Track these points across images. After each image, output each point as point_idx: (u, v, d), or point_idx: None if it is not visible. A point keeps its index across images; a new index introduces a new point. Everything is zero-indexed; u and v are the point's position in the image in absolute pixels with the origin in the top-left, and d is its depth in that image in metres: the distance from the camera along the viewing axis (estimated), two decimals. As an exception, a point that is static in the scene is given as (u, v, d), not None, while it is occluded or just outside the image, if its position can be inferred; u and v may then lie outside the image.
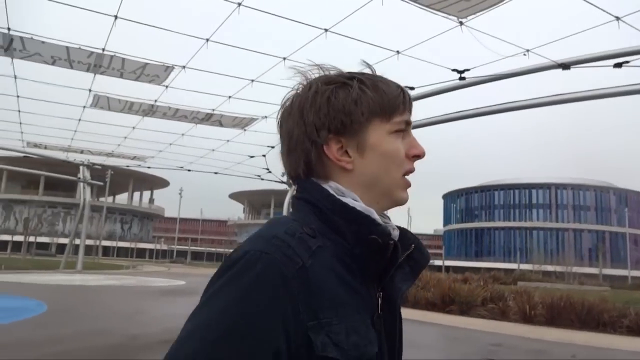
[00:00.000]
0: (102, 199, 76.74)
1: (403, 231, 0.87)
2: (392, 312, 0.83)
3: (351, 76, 0.84)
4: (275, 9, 10.27)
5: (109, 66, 12.61)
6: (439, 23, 9.81)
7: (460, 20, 9.50)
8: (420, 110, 14.46)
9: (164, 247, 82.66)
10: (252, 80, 13.66)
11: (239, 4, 9.45)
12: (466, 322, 13.65)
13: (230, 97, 15.16)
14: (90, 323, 10.66)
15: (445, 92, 13.22)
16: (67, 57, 12.07)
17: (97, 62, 12.38)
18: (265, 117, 17.63)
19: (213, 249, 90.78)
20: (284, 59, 11.98)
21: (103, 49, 11.74)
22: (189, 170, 28.66)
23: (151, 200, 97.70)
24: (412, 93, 10.25)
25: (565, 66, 10.26)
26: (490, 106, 13.57)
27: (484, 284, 18.57)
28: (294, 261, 0.71)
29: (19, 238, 61.07)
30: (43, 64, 12.61)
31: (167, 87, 14.19)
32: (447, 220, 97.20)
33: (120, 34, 11.10)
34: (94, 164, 30.81)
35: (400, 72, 12.55)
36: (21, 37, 11.17)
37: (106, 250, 73.44)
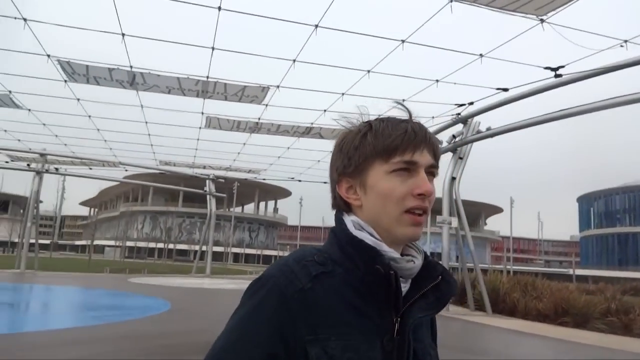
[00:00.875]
0: (232, 209, 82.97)
1: (432, 263, 0.94)
2: (405, 337, 0.87)
3: (368, 123, 0.93)
4: (353, 26, 10.73)
5: (214, 91, 14.08)
6: (519, 24, 9.48)
7: (540, 17, 9.10)
8: (514, 112, 13.88)
9: (286, 254, 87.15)
10: (343, 94, 14.23)
11: (316, 26, 10.09)
12: (577, 335, 12.64)
13: (325, 110, 15.88)
14: (202, 321, 11.94)
15: (541, 92, 12.56)
16: (179, 86, 13.76)
17: (204, 88, 13.91)
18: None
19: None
20: (368, 71, 12.38)
21: (207, 77, 13.19)
22: (299, 181, 30.19)
23: (275, 210, 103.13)
24: (505, 95, 9.96)
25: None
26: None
27: (611, 296, 16.90)
28: (294, 284, 0.83)
29: (163, 245, 68.77)
30: (161, 93, 14.50)
31: (266, 105, 15.37)
32: (584, 225, 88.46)
33: (220, 62, 12.40)
34: (217, 177, 33.93)
35: (486, 74, 12.25)
36: (141, 73, 13.03)
37: (236, 257, 79.36)
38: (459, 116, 16.82)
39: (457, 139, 17.44)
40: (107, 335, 9.06)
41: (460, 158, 18.01)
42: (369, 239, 0.88)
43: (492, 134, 16.41)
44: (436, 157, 0.92)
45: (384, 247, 0.88)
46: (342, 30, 10.64)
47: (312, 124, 17.47)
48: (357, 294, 0.86)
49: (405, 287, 0.89)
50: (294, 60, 11.87)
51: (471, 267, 18.37)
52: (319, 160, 23.92)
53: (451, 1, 8.74)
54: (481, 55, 11.06)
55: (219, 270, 40.57)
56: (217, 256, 75.30)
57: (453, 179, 17.78)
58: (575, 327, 14.10)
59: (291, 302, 0.82)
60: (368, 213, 0.91)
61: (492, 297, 17.21)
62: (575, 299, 15.38)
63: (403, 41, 10.59)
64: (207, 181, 33.80)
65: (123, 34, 10.87)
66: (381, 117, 0.94)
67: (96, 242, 79.17)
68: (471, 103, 15.33)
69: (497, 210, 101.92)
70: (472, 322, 14.41)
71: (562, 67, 11.08)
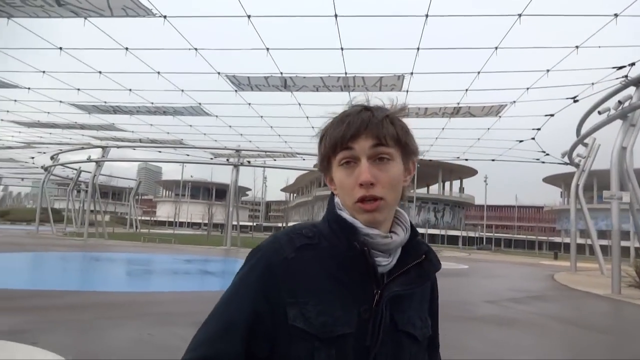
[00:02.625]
0: (413, 190, 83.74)
1: (417, 242, 1.01)
2: (381, 308, 0.92)
3: (328, 123, 0.99)
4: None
5: (355, 84, 15.43)
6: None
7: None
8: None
9: (472, 234, 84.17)
10: (478, 72, 14.22)
11: (520, 15, 10.61)
12: None
13: (467, 90, 15.95)
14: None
15: None
16: (323, 84, 15.47)
17: (345, 83, 15.36)
18: (514, 101, 17.53)
19: (522, 236, 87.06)
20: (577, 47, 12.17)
21: (345, 73, 14.59)
22: (465, 160, 29.78)
23: (461, 189, 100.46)
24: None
25: None
26: None
27: None
28: (279, 254, 0.94)
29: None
30: (310, 92, 16.43)
31: (407, 91, 16.13)
32: None
33: (352, 59, 13.65)
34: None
35: None
36: (291, 77, 15.08)
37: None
38: (628, 79, 15.08)
39: (624, 105, 15.62)
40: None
41: (633, 125, 16.06)
42: (348, 218, 0.96)
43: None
44: (379, 138, 0.92)
45: (359, 225, 0.94)
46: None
47: (458, 103, 17.59)
48: (339, 266, 0.93)
49: (389, 261, 0.95)
50: (418, 49, 12.48)
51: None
52: (478, 139, 23.53)
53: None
54: None
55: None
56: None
57: (623, 148, 15.99)
58: None
59: (276, 269, 0.92)
60: (342, 201, 0.99)
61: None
62: None
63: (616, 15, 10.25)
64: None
65: (267, 49, 12.94)
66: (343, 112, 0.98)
67: (292, 223, 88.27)
68: (632, 64, 13.71)
69: None
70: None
71: None
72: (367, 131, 0.92)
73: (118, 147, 31.92)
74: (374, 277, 0.93)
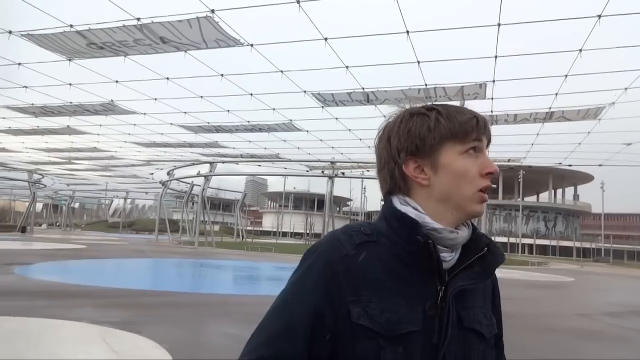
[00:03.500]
0: (519, 198, 79.26)
1: (478, 235, 0.99)
2: (447, 304, 0.91)
3: (431, 107, 0.98)
4: None
5: (436, 95, 15.59)
6: None
7: None
8: None
9: (589, 245, 77.25)
10: (565, 76, 13.70)
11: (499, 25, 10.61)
12: None
13: (556, 93, 15.36)
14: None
15: None
16: (405, 96, 15.80)
17: (427, 94, 15.58)
18: (613, 103, 16.50)
19: (648, 248, 78.07)
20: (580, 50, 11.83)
21: (425, 84, 14.85)
22: (569, 166, 28.01)
23: (575, 197, 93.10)
24: None
25: None
26: None
27: None
28: (339, 251, 0.92)
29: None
30: (396, 104, 16.80)
31: (492, 99, 15.91)
32: None
33: (430, 71, 13.88)
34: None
35: None
36: (372, 92, 15.66)
37: (530, 248, 75.50)
38: None
39: None
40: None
41: None
42: (411, 212, 0.94)
43: None
44: (490, 140, 0.99)
45: (426, 220, 0.93)
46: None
47: (550, 108, 16.89)
48: (400, 262, 0.92)
49: (452, 256, 0.95)
50: (509, 56, 12.41)
51: None
52: (579, 143, 22.20)
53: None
54: None
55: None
56: (510, 247, 73.41)
57: None
58: None
59: (336, 267, 0.90)
60: (438, 191, 0.95)
61: None
62: None
63: None
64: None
65: (347, 67, 13.66)
66: (437, 103, 0.99)
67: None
68: None
69: None
70: None
71: None
72: (488, 132, 0.98)
73: (223, 162, 34.59)
74: (437, 273, 0.91)
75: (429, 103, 1.00)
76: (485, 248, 0.97)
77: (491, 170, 0.94)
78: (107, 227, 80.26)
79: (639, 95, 15.49)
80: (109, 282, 12.56)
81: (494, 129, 20.20)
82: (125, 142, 27.36)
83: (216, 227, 71.33)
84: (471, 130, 0.94)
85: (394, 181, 0.99)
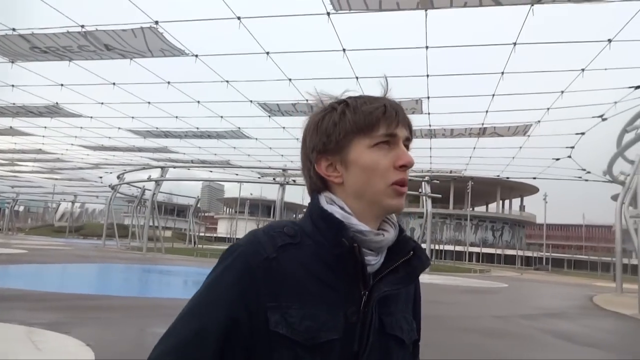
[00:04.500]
0: (467, 208, 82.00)
1: (405, 238, 0.95)
2: (369, 310, 0.87)
3: (341, 102, 0.95)
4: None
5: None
6: None
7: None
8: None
9: (530, 253, 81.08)
10: (493, 95, 14.79)
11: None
12: None
13: (486, 111, 16.47)
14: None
15: None
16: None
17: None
18: (538, 121, 17.81)
19: (584, 257, 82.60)
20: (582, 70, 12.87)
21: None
22: (507, 178, 29.63)
23: (521, 208, 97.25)
24: None
25: None
26: None
27: None
28: (260, 253, 0.85)
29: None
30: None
31: (428, 114, 16.89)
32: None
33: (368, 86, 14.65)
34: (432, 179, 35.72)
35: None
36: (316, 104, 16.30)
37: (478, 256, 78.30)
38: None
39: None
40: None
41: (661, 143, 15.89)
42: (337, 212, 0.90)
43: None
44: (411, 132, 0.95)
45: (353, 221, 0.89)
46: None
47: (482, 124, 18.06)
48: (325, 266, 0.87)
49: (377, 260, 0.91)
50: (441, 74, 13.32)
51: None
52: (514, 157, 23.64)
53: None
54: None
55: (444, 267, 41.92)
56: (457, 255, 75.87)
57: (652, 167, 15.84)
58: None
59: (255, 270, 0.84)
60: (351, 188, 0.92)
61: None
62: None
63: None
64: (422, 183, 35.82)
65: (290, 79, 14.25)
66: (353, 96, 0.95)
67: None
68: (650, 83, 13.77)
69: None
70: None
71: None
72: (405, 120, 0.94)
73: (174, 167, 34.48)
74: (361, 277, 0.88)
75: (345, 97, 0.97)
76: (411, 252, 0.93)
77: (404, 163, 0.89)
78: (53, 232, 77.30)
79: (560, 115, 16.87)
80: (45, 287, 12.54)
81: (434, 143, 21.41)
82: (72, 144, 26.94)
83: (168, 233, 70.22)
84: (377, 121, 0.90)
85: (312, 180, 0.97)
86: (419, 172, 31.86)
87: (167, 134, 22.45)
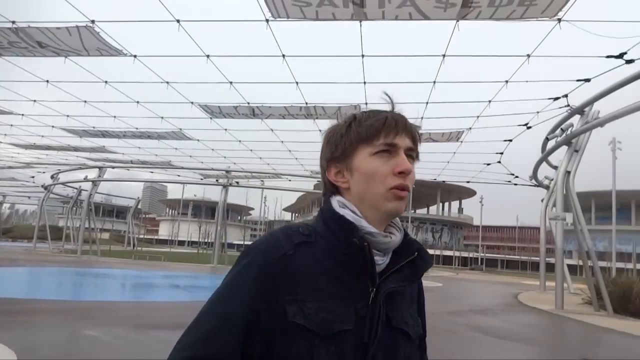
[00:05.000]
0: (419, 210, 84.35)
1: (410, 240, 1.04)
2: (377, 305, 0.94)
3: (353, 115, 1.04)
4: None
5: (316, 113, 16.80)
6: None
7: (556, 18, 9.49)
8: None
9: (466, 254, 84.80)
10: (426, 103, 15.55)
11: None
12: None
13: (422, 117, 17.24)
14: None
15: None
16: (288, 113, 16.86)
17: (307, 112, 16.74)
18: (470, 128, 18.82)
19: (516, 257, 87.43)
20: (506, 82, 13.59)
21: (306, 103, 15.97)
22: (443, 182, 30.91)
23: (460, 210, 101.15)
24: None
25: None
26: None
27: None
28: (278, 250, 0.94)
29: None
30: (280, 119, 17.83)
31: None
32: None
33: (310, 91, 15.04)
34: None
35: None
36: (257, 106, 16.50)
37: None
38: (571, 108, 16.31)
39: (567, 132, 16.84)
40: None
41: (576, 151, 17.27)
42: (349, 215, 0.98)
43: (602, 121, 15.46)
44: (414, 141, 1.02)
45: (363, 223, 0.98)
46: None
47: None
48: (336, 263, 0.95)
49: (384, 260, 0.99)
50: (365, 82, 13.86)
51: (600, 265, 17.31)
52: (448, 162, 24.76)
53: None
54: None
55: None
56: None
57: (567, 172, 17.17)
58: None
59: (274, 266, 0.92)
60: (355, 193, 1.00)
61: (623, 298, 16.20)
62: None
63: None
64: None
65: (231, 82, 14.38)
66: (363, 111, 1.04)
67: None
68: (565, 95, 15.00)
69: None
70: (577, 320, 14.19)
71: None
72: (408, 131, 1.01)
73: (113, 167, 33.48)
74: (370, 275, 0.95)
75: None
76: (416, 252, 1.02)
77: (401, 169, 0.96)
78: (-22, 234, 72.67)
79: (490, 123, 17.95)
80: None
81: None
82: (1, 142, 25.63)
83: (106, 235, 67.75)
84: (377, 132, 0.98)
85: (325, 185, 1.06)
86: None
87: (104, 134, 21.87)
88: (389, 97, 1.07)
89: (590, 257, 16.44)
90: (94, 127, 20.81)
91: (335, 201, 1.02)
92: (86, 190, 37.71)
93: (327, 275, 0.94)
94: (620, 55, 11.21)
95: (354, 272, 0.95)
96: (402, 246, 1.02)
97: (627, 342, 10.68)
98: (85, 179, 35.84)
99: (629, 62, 11.46)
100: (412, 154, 1.01)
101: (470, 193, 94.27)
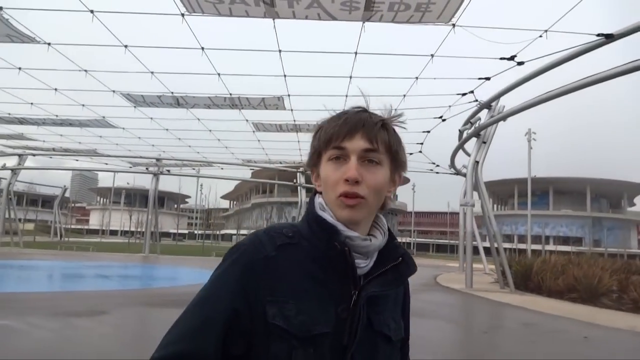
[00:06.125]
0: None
1: (394, 245, 1.03)
2: (358, 308, 0.94)
3: (323, 121, 1.05)
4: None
5: (241, 104, 17.15)
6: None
7: (450, 23, 10.42)
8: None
9: (401, 239, 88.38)
10: (346, 96, 16.29)
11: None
12: (557, 307, 13.23)
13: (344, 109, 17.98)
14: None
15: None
16: (212, 103, 17.09)
17: (232, 103, 17.05)
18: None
19: (445, 241, 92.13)
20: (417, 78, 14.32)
21: (230, 94, 16.28)
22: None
23: (395, 197, 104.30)
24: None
25: None
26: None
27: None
28: (260, 252, 0.94)
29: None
30: (206, 109, 18.01)
31: (292, 110, 18.02)
32: None
33: (234, 83, 15.37)
34: (306, 170, 37.35)
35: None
36: (181, 96, 16.61)
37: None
38: (479, 103, 17.62)
39: (475, 125, 18.23)
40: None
41: (484, 142, 18.73)
42: (329, 219, 0.98)
43: (504, 115, 16.85)
44: (374, 141, 0.96)
45: (340, 227, 0.96)
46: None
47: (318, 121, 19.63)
48: (319, 266, 0.95)
49: (367, 263, 0.98)
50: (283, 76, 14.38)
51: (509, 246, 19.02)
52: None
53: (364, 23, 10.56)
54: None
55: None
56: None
57: (476, 162, 18.60)
58: (582, 303, 14.45)
59: (256, 267, 0.93)
60: (324, 197, 1.01)
61: (524, 276, 17.90)
62: (587, 277, 15.39)
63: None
64: (298, 174, 37.33)
65: (152, 72, 14.43)
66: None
67: (230, 231, 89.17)
68: (472, 91, 16.26)
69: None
70: (481, 297, 15.54)
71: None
72: (362, 132, 0.96)
73: (34, 154, 32.07)
74: (352, 278, 0.95)
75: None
76: (400, 258, 1.01)
77: (346, 177, 0.94)
78: None
79: (407, 115, 18.94)
80: None
81: (301, 137, 22.73)
82: None
83: (30, 226, 64.48)
84: (329, 137, 0.97)
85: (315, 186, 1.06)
86: (291, 163, 33.36)
87: (22, 121, 21.06)
88: (361, 91, 1.08)
89: (496, 240, 18.01)
90: (9, 114, 20.01)
91: (317, 202, 1.02)
92: (5, 179, 35.84)
93: (309, 277, 0.94)
94: (512, 58, 12.40)
95: (336, 274, 0.95)
96: (387, 250, 1.02)
97: (519, 314, 12.01)
98: (4, 167, 34.06)
99: (519, 63, 12.69)
100: (373, 157, 0.97)
101: (404, 180, 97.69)
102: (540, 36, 10.92)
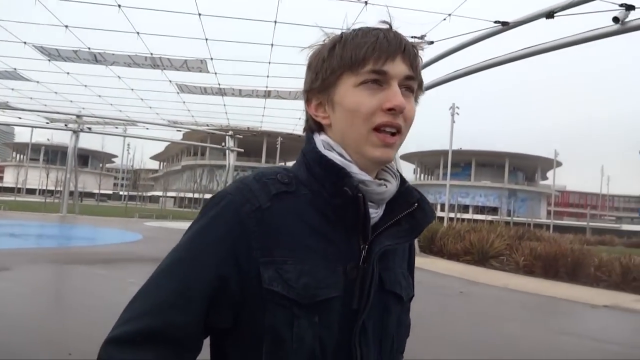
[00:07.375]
0: (289, 163, 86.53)
1: (408, 189, 0.88)
2: (370, 265, 0.80)
3: (338, 36, 0.84)
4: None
5: (162, 64, 16.98)
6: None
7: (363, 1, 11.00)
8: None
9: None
10: (269, 62, 16.57)
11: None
12: (451, 268, 14.68)
13: (267, 76, 18.26)
14: (161, 248, 15.16)
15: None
16: (133, 62, 16.79)
17: (153, 63, 16.83)
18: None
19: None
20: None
21: (151, 54, 16.04)
22: (299, 136, 32.69)
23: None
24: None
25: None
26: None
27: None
28: (251, 202, 0.77)
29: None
30: (126, 67, 17.61)
31: (216, 74, 18.05)
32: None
33: (155, 42, 15.16)
34: (235, 133, 37.21)
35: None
36: (99, 53, 16.16)
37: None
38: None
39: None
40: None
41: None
42: (337, 159, 0.82)
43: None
44: (414, 68, 0.82)
45: (353, 169, 0.81)
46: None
47: (267, 87, 19.94)
48: (322, 217, 0.80)
49: (378, 212, 0.84)
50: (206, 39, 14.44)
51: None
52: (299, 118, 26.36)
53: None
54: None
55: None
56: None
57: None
58: (475, 265, 16.04)
59: (246, 222, 0.77)
60: (337, 132, 0.84)
61: (430, 239, 19.42)
62: (481, 241, 17.04)
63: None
64: (227, 137, 37.16)
65: (66, 26, 13.96)
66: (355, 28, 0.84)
67: (157, 193, 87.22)
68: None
69: (557, 164, 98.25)
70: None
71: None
72: (404, 55, 0.81)
73: None
74: (362, 230, 0.81)
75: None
76: (416, 204, 0.87)
77: (392, 105, 0.78)
78: None
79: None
80: None
81: (226, 100, 22.77)
82: None
83: None
84: (364, 58, 0.79)
85: (307, 120, 0.89)
86: (218, 126, 33.22)
87: None
88: (388, 14, 0.88)
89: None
90: None
91: (320, 140, 0.86)
92: None
93: (311, 231, 0.80)
94: (422, 37, 13.23)
95: (343, 227, 0.82)
96: (399, 195, 0.87)
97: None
98: None
99: (430, 43, 13.56)
100: (412, 85, 0.83)
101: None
102: (444, 19, 11.78)
